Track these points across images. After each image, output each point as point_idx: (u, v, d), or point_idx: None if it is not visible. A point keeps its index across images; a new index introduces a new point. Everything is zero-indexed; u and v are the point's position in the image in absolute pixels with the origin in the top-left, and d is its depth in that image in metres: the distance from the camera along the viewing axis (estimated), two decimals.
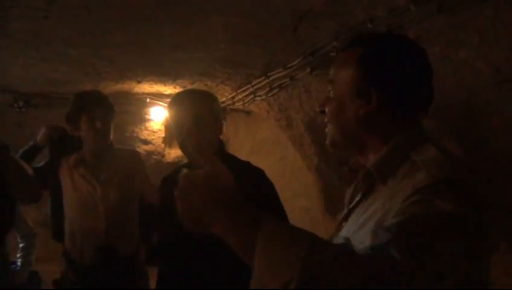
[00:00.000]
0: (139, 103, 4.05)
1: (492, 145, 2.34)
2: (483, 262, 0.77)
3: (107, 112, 2.25)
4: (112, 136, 2.30)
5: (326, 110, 1.00)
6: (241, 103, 3.67)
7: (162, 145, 4.36)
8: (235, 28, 2.33)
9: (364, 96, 0.93)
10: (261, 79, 3.16)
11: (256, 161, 1.98)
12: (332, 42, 2.39)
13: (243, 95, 3.52)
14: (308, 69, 2.73)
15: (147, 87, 3.69)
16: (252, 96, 3.45)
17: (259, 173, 1.83)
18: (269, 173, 1.86)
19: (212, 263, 1.66)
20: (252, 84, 3.30)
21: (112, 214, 2.21)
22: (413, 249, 0.68)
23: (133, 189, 2.31)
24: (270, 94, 3.26)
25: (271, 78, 3.07)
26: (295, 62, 2.74)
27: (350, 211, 1.00)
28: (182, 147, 1.82)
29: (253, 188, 1.66)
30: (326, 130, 1.02)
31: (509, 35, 1.80)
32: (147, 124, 4.30)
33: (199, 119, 1.75)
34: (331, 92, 1.00)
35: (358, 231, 0.90)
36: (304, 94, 3.09)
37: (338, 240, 0.95)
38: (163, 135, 4.37)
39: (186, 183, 0.79)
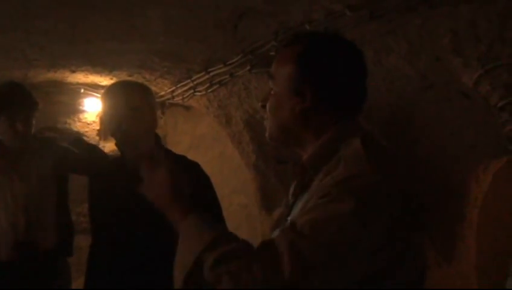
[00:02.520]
0: (73, 93, 3.87)
1: (419, 145, 2.50)
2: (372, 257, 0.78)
3: (30, 112, 2.12)
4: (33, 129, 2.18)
5: (267, 106, 1.02)
6: (180, 97, 3.62)
7: (97, 138, 4.20)
8: (174, 21, 2.29)
9: (300, 94, 0.95)
10: (201, 74, 3.14)
11: (194, 157, 1.97)
12: (272, 41, 2.42)
13: (183, 89, 3.48)
14: (248, 67, 2.75)
15: (81, 77, 3.54)
16: (191, 91, 3.42)
17: (195, 166, 1.82)
18: (207, 169, 1.86)
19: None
20: (192, 79, 3.27)
21: (31, 208, 2.11)
22: (296, 252, 0.72)
23: (54, 181, 2.21)
24: (210, 90, 3.25)
25: (211, 74, 3.05)
26: (235, 59, 2.75)
27: (293, 204, 1.02)
28: (116, 140, 1.77)
29: (189, 181, 1.66)
30: (265, 124, 1.04)
31: (434, 44, 1.92)
32: (81, 116, 4.12)
33: (136, 111, 1.72)
34: (272, 87, 1.01)
35: (298, 218, 0.91)
36: (244, 91, 3.10)
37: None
38: (98, 128, 4.21)
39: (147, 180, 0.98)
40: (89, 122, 4.16)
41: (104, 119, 3.97)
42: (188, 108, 4.04)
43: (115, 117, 1.72)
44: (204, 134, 4.11)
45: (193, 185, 1.64)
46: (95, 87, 3.77)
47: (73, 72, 3.35)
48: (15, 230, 2.08)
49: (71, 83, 3.67)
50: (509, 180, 2.83)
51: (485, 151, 2.37)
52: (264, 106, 1.03)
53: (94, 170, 2.28)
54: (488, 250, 2.74)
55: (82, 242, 3.86)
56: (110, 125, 1.75)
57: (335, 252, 0.74)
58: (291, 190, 1.08)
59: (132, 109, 1.71)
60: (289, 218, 1.01)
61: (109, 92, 1.77)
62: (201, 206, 1.73)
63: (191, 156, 1.91)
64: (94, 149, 2.40)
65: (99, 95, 3.89)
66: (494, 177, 2.63)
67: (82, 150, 2.28)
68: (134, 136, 1.72)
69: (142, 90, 1.81)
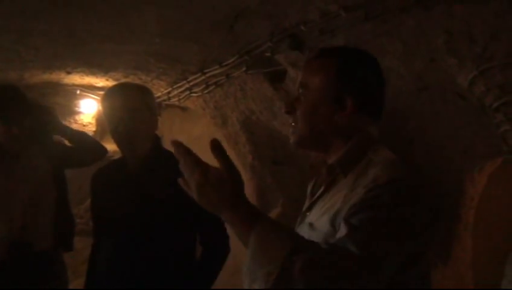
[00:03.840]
0: (69, 95, 3.86)
1: (414, 146, 2.50)
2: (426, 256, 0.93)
3: (25, 116, 2.12)
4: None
5: (298, 112, 1.08)
6: (176, 98, 3.62)
7: None
8: (169, 22, 2.29)
9: (340, 103, 1.04)
10: (197, 75, 3.13)
11: None
12: (267, 42, 2.42)
13: (179, 90, 3.48)
14: (244, 68, 2.75)
15: (77, 79, 3.53)
16: (187, 92, 3.42)
17: None
18: None
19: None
20: (188, 80, 3.27)
21: (28, 208, 2.11)
22: (368, 246, 0.81)
23: (54, 181, 2.22)
24: (206, 91, 3.24)
25: (207, 75, 3.05)
26: (231, 60, 2.75)
27: (314, 202, 1.10)
28: (114, 141, 1.77)
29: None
30: (291, 131, 1.10)
31: (429, 45, 1.92)
32: (77, 117, 4.12)
33: (134, 112, 1.73)
34: (303, 95, 1.08)
35: (321, 217, 1.01)
36: (240, 92, 3.10)
37: (303, 227, 1.07)
38: (94, 129, 4.20)
39: (199, 177, 0.87)
40: (85, 123, 4.16)
41: (102, 121, 3.99)
42: (184, 109, 4.04)
43: (112, 118, 1.73)
44: (201, 135, 4.11)
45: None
46: (91, 88, 3.77)
47: (69, 73, 3.34)
48: (11, 230, 2.08)
49: (67, 85, 3.66)
50: (504, 181, 2.84)
51: (480, 152, 2.38)
52: (288, 112, 1.10)
53: (91, 159, 2.33)
54: (483, 250, 2.75)
55: (78, 244, 3.86)
56: (108, 126, 1.77)
57: (396, 244, 0.84)
58: (309, 188, 1.18)
59: (129, 111, 1.72)
60: (308, 213, 1.10)
61: (108, 94, 1.79)
62: (196, 209, 1.74)
63: None
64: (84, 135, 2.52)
65: (95, 97, 3.88)
66: (489, 178, 2.64)
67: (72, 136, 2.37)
68: (130, 137, 1.73)
69: (141, 92, 1.81)
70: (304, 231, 1.04)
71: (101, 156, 2.48)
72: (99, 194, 1.88)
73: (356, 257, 0.80)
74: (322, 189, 1.09)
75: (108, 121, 1.75)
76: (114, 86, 1.86)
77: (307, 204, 1.15)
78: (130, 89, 1.82)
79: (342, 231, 0.85)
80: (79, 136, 2.46)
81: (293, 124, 1.10)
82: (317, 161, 1.21)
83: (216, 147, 0.87)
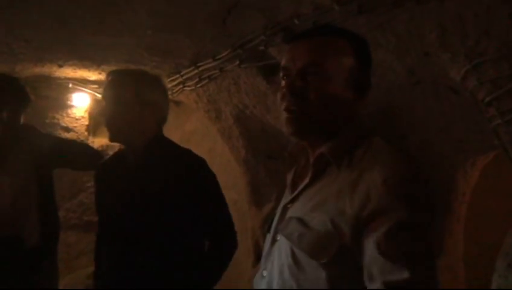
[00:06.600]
0: (61, 88, 3.82)
1: (407, 140, 2.50)
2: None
3: (19, 105, 2.10)
4: (23, 121, 2.16)
5: (310, 96, 0.94)
6: (170, 92, 3.58)
7: (86, 133, 4.16)
8: (161, 15, 2.26)
9: (358, 88, 0.96)
10: (191, 69, 3.12)
11: None
12: (261, 36, 2.41)
13: (172, 84, 3.45)
14: (237, 62, 2.73)
15: (69, 72, 3.49)
16: (181, 86, 3.40)
17: (200, 163, 1.77)
18: None
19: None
20: (181, 73, 3.24)
21: (18, 203, 2.09)
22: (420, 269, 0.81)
23: (35, 178, 2.19)
24: (199, 85, 3.22)
25: (200, 69, 3.03)
26: (224, 54, 2.73)
27: (297, 195, 1.01)
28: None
29: (192, 177, 1.65)
30: (291, 118, 0.95)
31: (422, 39, 1.91)
32: (69, 111, 4.08)
33: (122, 105, 1.67)
34: (316, 77, 0.94)
35: (311, 212, 0.93)
36: (233, 86, 3.09)
37: (289, 221, 0.98)
38: (86, 123, 4.17)
39: None
40: (77, 117, 4.12)
41: (96, 115, 3.95)
42: (177, 103, 4.02)
43: (102, 110, 1.71)
44: (194, 129, 4.10)
45: (194, 184, 1.64)
46: (83, 82, 3.73)
47: (61, 66, 3.30)
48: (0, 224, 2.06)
49: (59, 78, 3.63)
50: (497, 176, 2.85)
51: (473, 146, 2.38)
52: (295, 96, 0.95)
53: (89, 165, 2.31)
54: (475, 244, 2.77)
55: (71, 238, 3.87)
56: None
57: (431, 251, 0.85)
58: (289, 179, 1.08)
59: (112, 98, 1.68)
60: (290, 206, 1.01)
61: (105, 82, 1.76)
62: (203, 205, 1.73)
63: None
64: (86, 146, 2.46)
65: (87, 90, 3.85)
66: (482, 173, 2.65)
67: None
68: (116, 130, 1.69)
69: (133, 81, 1.72)
70: (290, 226, 0.96)
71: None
72: (101, 186, 1.86)
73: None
74: (306, 180, 1.00)
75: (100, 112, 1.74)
76: (108, 73, 1.80)
77: (288, 196, 1.06)
78: (121, 78, 1.74)
79: (373, 252, 0.82)
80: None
81: (293, 110, 0.94)
82: (296, 148, 1.09)
83: None
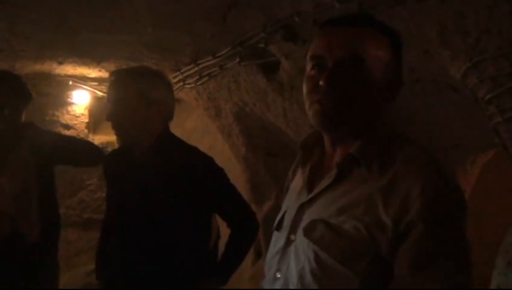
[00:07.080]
0: (61, 86, 3.82)
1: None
2: None
3: (20, 103, 2.09)
4: (24, 119, 2.16)
5: (344, 87, 0.87)
6: None
7: (86, 130, 4.17)
8: (161, 12, 2.27)
9: (391, 86, 0.91)
10: (191, 66, 3.11)
11: None
12: (261, 33, 2.40)
13: (172, 82, 3.45)
14: (237, 59, 2.73)
15: (69, 69, 3.50)
16: (181, 83, 3.39)
17: (207, 160, 1.78)
18: None
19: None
20: (182, 71, 3.24)
21: (19, 200, 2.09)
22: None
23: (37, 174, 2.19)
24: (199, 82, 3.22)
25: (200, 66, 3.03)
26: (224, 51, 2.73)
27: (318, 194, 0.94)
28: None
29: (198, 176, 1.66)
30: (323, 109, 0.88)
31: (422, 37, 1.91)
32: (69, 108, 4.08)
33: (124, 102, 1.67)
34: (355, 68, 0.88)
35: (338, 215, 0.87)
36: (233, 84, 3.09)
37: (304, 222, 0.93)
38: (86, 120, 4.17)
39: None
40: (77, 114, 4.13)
41: (96, 112, 3.95)
42: (178, 101, 4.01)
43: (106, 108, 1.72)
44: (195, 127, 4.10)
45: (201, 183, 1.65)
46: (83, 79, 3.74)
47: (61, 63, 3.31)
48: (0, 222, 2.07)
49: (59, 75, 3.63)
50: (497, 173, 2.85)
51: (473, 144, 2.38)
52: (329, 82, 0.87)
53: (91, 161, 2.32)
54: (474, 242, 2.77)
55: (71, 236, 3.88)
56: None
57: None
58: (305, 176, 0.99)
59: (118, 101, 1.68)
60: (308, 205, 0.94)
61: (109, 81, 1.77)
62: (211, 204, 1.76)
63: None
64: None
65: (87, 88, 3.85)
66: (482, 170, 2.65)
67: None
68: (123, 132, 1.70)
69: (136, 79, 1.70)
70: (318, 229, 0.88)
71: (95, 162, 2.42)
72: (111, 177, 1.87)
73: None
74: (329, 181, 0.92)
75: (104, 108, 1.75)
76: (111, 73, 1.81)
77: (304, 194, 0.97)
78: (124, 78, 1.73)
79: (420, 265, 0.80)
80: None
81: (326, 102, 0.88)
82: (311, 140, 1.02)
83: None
